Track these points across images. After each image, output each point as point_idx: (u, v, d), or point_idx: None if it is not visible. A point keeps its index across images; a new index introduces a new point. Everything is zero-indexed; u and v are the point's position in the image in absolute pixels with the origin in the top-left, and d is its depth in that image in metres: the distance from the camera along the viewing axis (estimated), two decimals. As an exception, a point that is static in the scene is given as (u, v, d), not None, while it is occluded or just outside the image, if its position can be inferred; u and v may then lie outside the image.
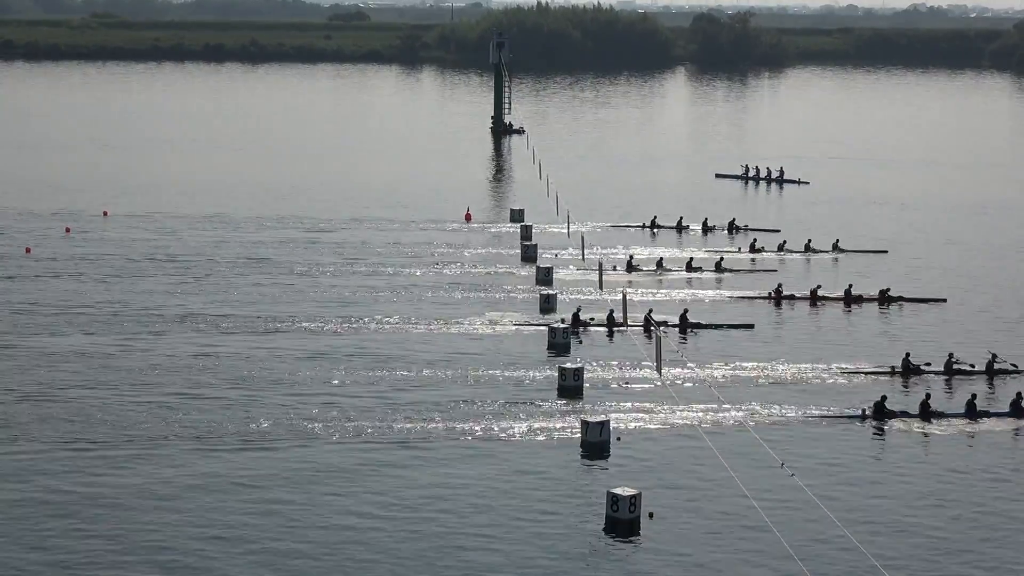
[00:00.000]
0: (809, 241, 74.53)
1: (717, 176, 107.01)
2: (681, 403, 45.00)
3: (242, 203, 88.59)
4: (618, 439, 41.65)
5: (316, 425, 42.71)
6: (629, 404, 45.52)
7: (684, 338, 55.24)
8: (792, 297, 62.12)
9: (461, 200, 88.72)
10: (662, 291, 63.83)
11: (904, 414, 44.76)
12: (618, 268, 67.93)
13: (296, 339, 53.69)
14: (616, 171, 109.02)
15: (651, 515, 35.68)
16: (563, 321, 55.73)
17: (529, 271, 67.71)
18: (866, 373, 49.82)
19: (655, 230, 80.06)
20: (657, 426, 43.28)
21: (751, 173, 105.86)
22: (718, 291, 64.04)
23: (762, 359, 51.44)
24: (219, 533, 34.50)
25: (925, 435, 43.26)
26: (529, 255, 71.25)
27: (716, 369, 49.87)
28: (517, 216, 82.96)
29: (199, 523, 35.08)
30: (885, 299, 61.97)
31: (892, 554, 33.80)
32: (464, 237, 77.94)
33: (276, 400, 45.35)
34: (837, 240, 74.88)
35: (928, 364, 50.25)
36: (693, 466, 39.68)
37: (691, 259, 69.22)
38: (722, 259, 69.39)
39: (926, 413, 44.60)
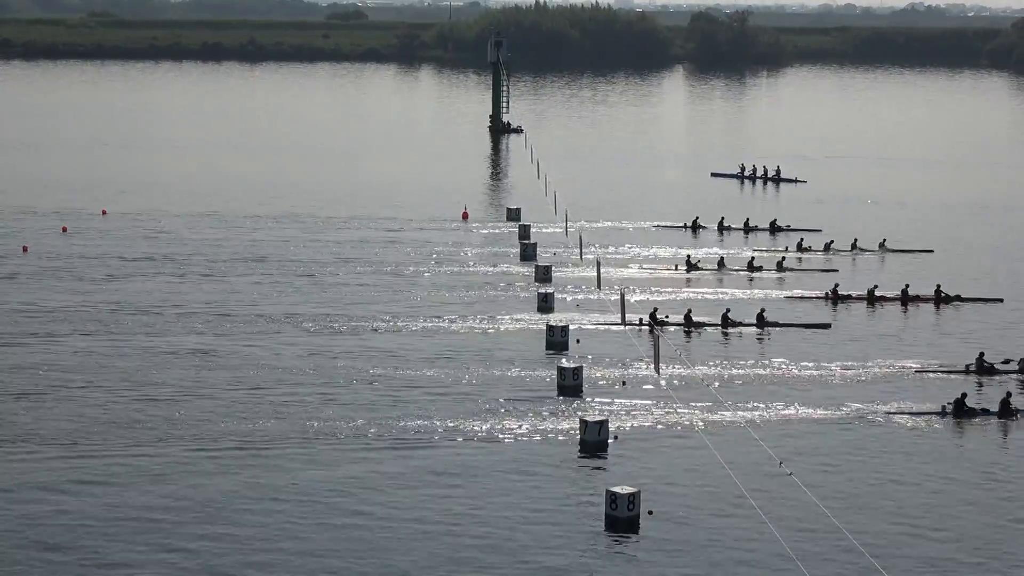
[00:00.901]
0: (856, 240, 74.60)
1: (713, 175, 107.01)
2: (680, 402, 44.94)
3: (240, 202, 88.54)
4: (615, 438, 41.62)
5: (313, 424, 42.66)
6: (628, 403, 45.48)
7: (761, 337, 55.44)
8: (848, 297, 61.99)
9: (459, 199, 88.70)
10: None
11: (984, 412, 44.77)
12: (679, 267, 68.24)
13: (294, 338, 53.63)
14: (612, 170, 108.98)
15: (650, 513, 35.67)
16: (640, 321, 55.99)
17: (528, 270, 67.66)
18: (941, 372, 49.78)
19: (696, 231, 79.97)
20: (656, 425, 43.24)
21: (747, 172, 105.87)
22: (774, 291, 63.78)
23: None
24: (218, 534, 34.44)
25: (959, 432, 43.22)
26: (527, 254, 71.25)
27: (716, 368, 49.86)
28: (515, 215, 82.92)
29: (198, 524, 35.01)
30: (941, 299, 61.87)
31: (891, 554, 33.76)
32: (462, 236, 77.92)
33: (274, 400, 45.28)
34: (884, 240, 74.95)
35: (1007, 362, 50.05)
36: (692, 465, 39.64)
37: (752, 258, 69.47)
38: (783, 259, 69.74)
39: (1007, 411, 44.49)
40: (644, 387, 47.38)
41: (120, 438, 41.13)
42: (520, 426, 42.88)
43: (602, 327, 56.12)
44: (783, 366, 50.43)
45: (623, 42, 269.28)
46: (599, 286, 61.12)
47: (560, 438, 41.99)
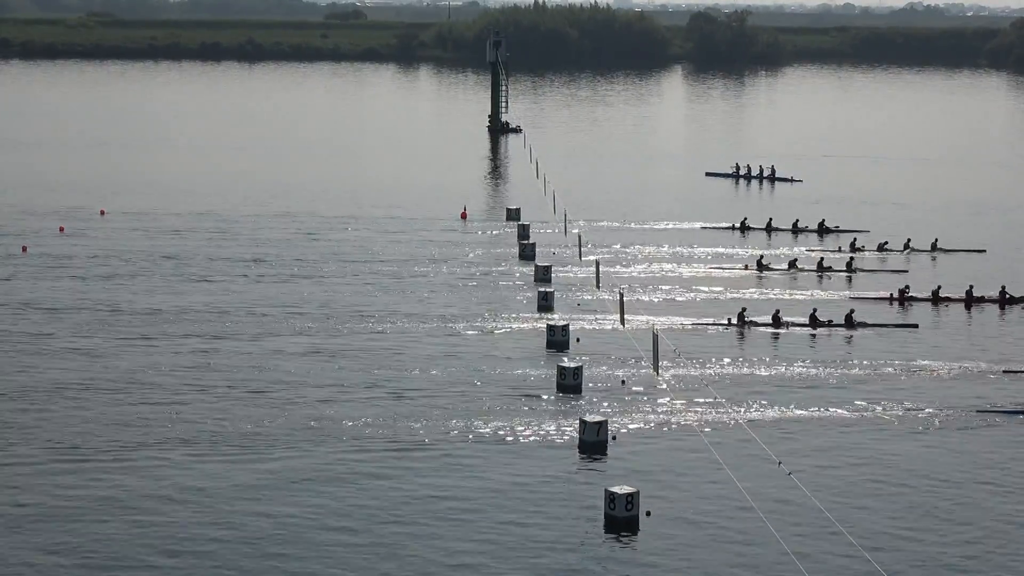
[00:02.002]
0: (908, 241, 74.58)
1: (707, 175, 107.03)
2: (679, 402, 44.94)
3: (239, 202, 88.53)
4: (613, 438, 41.61)
5: (312, 424, 42.66)
6: (627, 403, 45.49)
7: (850, 337, 55.56)
8: (913, 298, 61.84)
9: (458, 199, 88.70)
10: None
11: None
12: (749, 267, 68.51)
13: (293, 338, 53.63)
14: (611, 170, 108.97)
15: (648, 513, 35.66)
16: (729, 321, 56.40)
17: (527, 270, 67.67)
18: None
19: (745, 232, 79.98)
20: (655, 425, 43.24)
21: (742, 172, 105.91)
22: (837, 292, 63.74)
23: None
24: (215, 536, 34.41)
25: (968, 432, 43.25)
26: (527, 254, 71.28)
27: (715, 368, 49.86)
28: (514, 215, 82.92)
29: (196, 527, 34.97)
30: (1007, 300, 61.78)
31: (891, 554, 33.76)
32: (461, 236, 77.91)
33: (274, 399, 45.27)
34: (936, 240, 74.96)
35: None
36: (691, 465, 39.65)
37: (822, 259, 69.72)
38: (852, 259, 69.91)
39: None
40: (644, 387, 47.36)
41: (119, 438, 41.10)
42: (520, 426, 42.86)
43: (602, 327, 56.12)
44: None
45: (622, 42, 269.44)
46: (599, 286, 61.14)
47: (560, 438, 41.98)
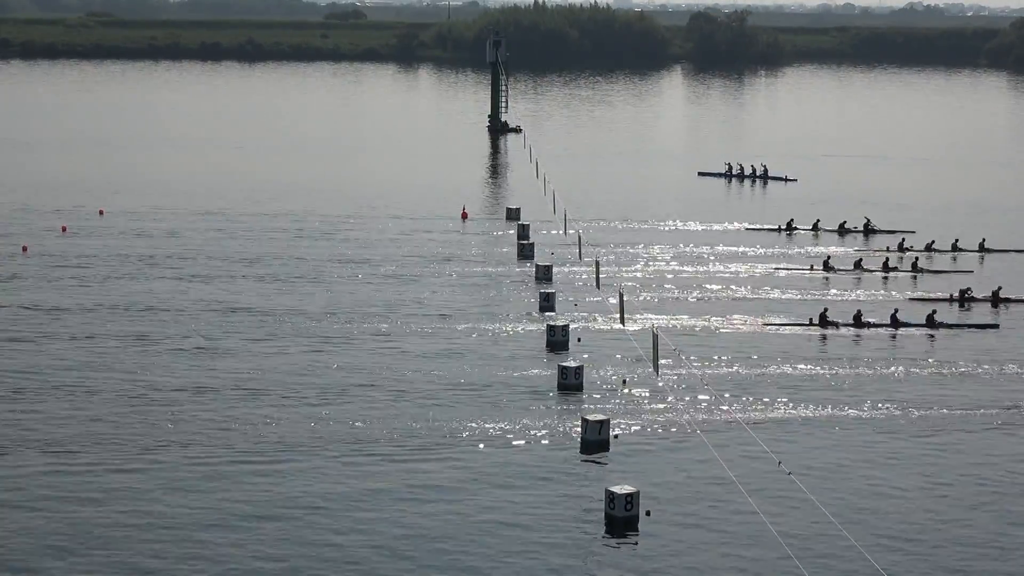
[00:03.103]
0: (956, 241, 74.64)
1: (700, 174, 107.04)
2: (680, 402, 44.96)
3: (238, 201, 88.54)
4: (615, 438, 41.62)
5: (311, 425, 42.66)
6: (628, 403, 45.51)
7: (932, 336, 55.76)
8: (974, 299, 61.74)
9: (457, 199, 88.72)
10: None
11: None
12: (815, 268, 68.58)
13: (292, 338, 53.63)
14: (607, 170, 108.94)
15: (648, 513, 35.67)
16: (810, 321, 56.57)
17: (527, 270, 67.68)
18: None
19: (791, 232, 79.94)
20: (656, 425, 43.26)
21: (735, 171, 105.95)
22: (898, 292, 63.80)
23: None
24: (214, 539, 34.42)
25: (968, 433, 43.25)
26: (526, 254, 71.30)
27: (716, 368, 49.86)
28: (514, 215, 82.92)
29: (194, 531, 34.97)
30: None
31: (891, 554, 33.78)
32: (461, 236, 77.92)
33: (273, 399, 45.27)
34: (983, 239, 75.01)
35: None
36: (691, 465, 39.66)
37: (887, 259, 69.97)
38: (917, 259, 70.00)
39: None
40: (644, 387, 47.36)
41: (119, 439, 41.09)
42: (520, 425, 42.88)
43: (602, 327, 56.12)
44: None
45: (622, 42, 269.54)
46: (599, 286, 61.11)
47: (560, 437, 41.99)
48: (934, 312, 57.46)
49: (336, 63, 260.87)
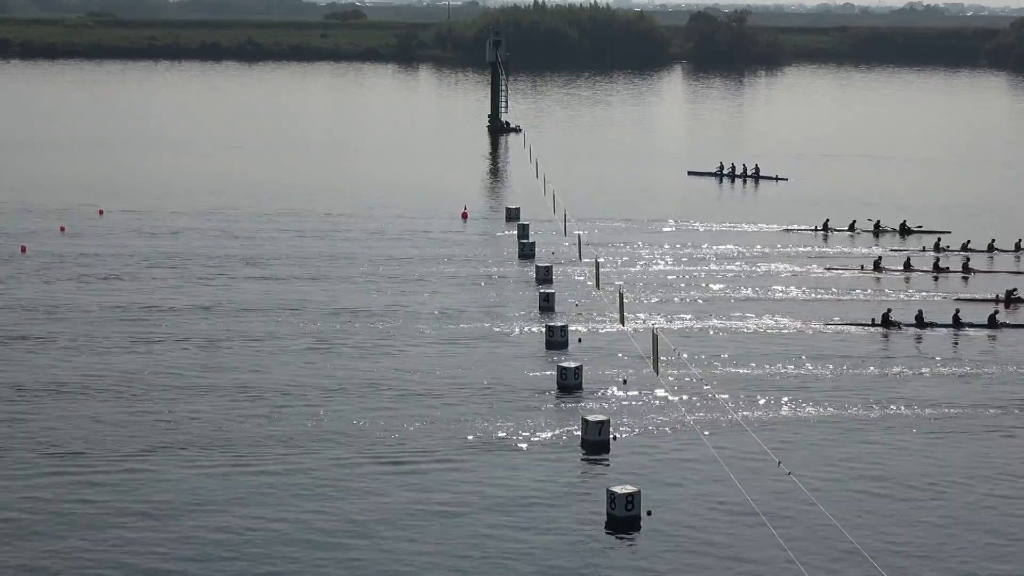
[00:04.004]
0: (993, 241, 74.75)
1: (690, 174, 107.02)
2: (680, 402, 44.92)
3: (238, 201, 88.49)
4: (615, 438, 41.60)
5: (309, 425, 42.65)
6: (628, 403, 45.50)
7: (993, 337, 55.90)
8: (1020, 300, 61.56)
9: (457, 199, 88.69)
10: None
11: None
12: (865, 268, 68.78)
13: (292, 338, 53.61)
14: (606, 170, 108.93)
15: (649, 513, 35.66)
16: (872, 321, 56.62)
17: (527, 269, 67.65)
18: None
19: (828, 233, 79.96)
20: (656, 425, 43.23)
21: (725, 171, 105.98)
22: (945, 293, 63.86)
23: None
24: (214, 545, 34.37)
25: (968, 432, 43.22)
26: (526, 254, 71.27)
27: (715, 368, 49.84)
28: (514, 215, 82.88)
29: (193, 535, 34.90)
30: None
31: (891, 554, 33.76)
32: (461, 236, 77.87)
33: (273, 400, 45.25)
34: (1020, 239, 75.02)
35: None
36: (692, 464, 39.64)
37: (937, 259, 70.20)
38: (968, 260, 70.00)
39: None
40: (644, 387, 47.34)
41: (119, 440, 41.07)
42: (520, 426, 42.85)
43: (602, 327, 56.08)
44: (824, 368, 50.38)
45: (622, 41, 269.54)
46: (599, 286, 61.10)
47: (561, 438, 41.97)
48: (996, 313, 57.46)
49: (336, 63, 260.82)
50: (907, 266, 69.01)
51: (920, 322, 56.78)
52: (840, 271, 68.54)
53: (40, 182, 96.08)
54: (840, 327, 56.60)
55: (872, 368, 50.51)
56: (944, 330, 56.56)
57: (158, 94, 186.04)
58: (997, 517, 36.63)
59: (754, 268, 69.12)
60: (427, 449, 40.69)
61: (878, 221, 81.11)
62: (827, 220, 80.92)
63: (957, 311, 57.49)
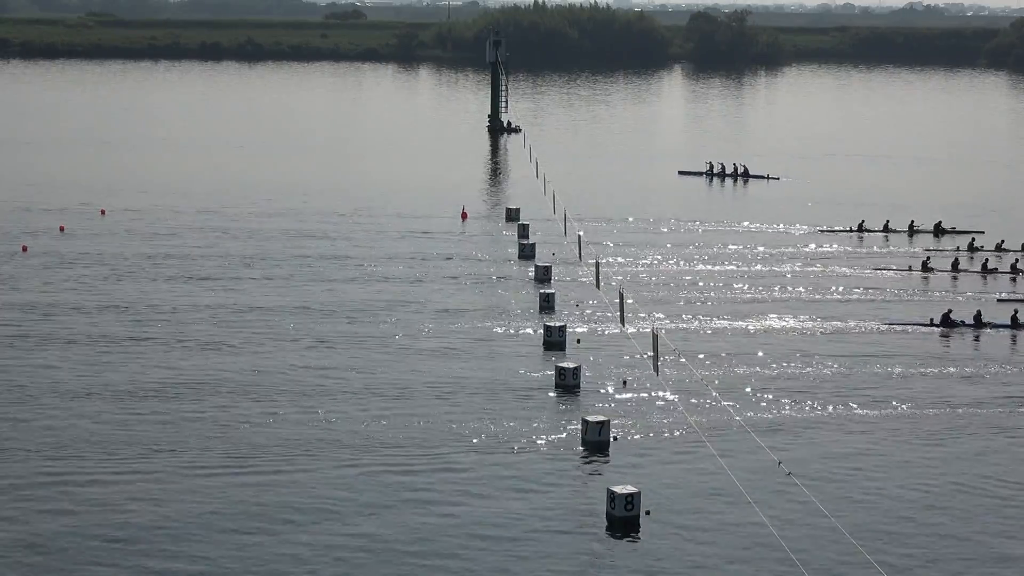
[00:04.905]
0: None
1: (680, 173, 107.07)
2: (680, 402, 44.93)
3: (238, 201, 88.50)
4: (615, 438, 41.61)
5: (309, 425, 42.64)
6: (628, 403, 45.51)
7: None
8: None
9: (458, 199, 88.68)
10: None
11: None
12: (913, 268, 68.92)
13: (292, 338, 53.59)
14: (606, 169, 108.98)
15: (648, 513, 35.67)
16: (931, 321, 56.92)
17: (527, 270, 67.66)
18: None
19: (863, 234, 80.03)
20: (656, 425, 43.23)
21: (715, 170, 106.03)
22: (993, 293, 64.14)
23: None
24: (214, 545, 34.37)
25: (968, 432, 43.19)
26: (526, 254, 71.28)
27: (716, 368, 49.84)
28: (514, 215, 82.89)
29: (193, 536, 34.87)
30: None
31: (890, 553, 33.76)
32: (461, 236, 77.89)
33: (272, 400, 45.23)
34: None
35: None
36: (692, 465, 39.64)
37: (986, 260, 70.31)
38: (1017, 260, 70.12)
39: None
40: (644, 387, 47.34)
41: (119, 441, 41.05)
42: (520, 426, 42.85)
43: (602, 327, 56.09)
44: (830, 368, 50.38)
45: (622, 41, 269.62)
46: (599, 286, 61.09)
47: (561, 438, 41.97)
48: None
49: (336, 63, 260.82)
50: (955, 266, 69.28)
51: (979, 322, 56.98)
52: (885, 271, 68.79)
53: (40, 182, 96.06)
54: (900, 327, 56.77)
55: (886, 368, 50.47)
56: (1004, 331, 56.68)
57: (158, 94, 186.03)
58: (1001, 520, 36.59)
59: (754, 268, 69.14)
60: (426, 449, 40.67)
61: (912, 222, 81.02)
62: (862, 221, 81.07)
63: (1015, 312, 57.62)
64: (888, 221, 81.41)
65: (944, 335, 56.15)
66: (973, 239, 75.98)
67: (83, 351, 51.06)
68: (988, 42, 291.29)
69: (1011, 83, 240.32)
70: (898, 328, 56.82)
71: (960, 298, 62.78)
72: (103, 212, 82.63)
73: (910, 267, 69.47)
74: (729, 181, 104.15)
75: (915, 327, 56.97)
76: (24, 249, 70.67)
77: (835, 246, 75.97)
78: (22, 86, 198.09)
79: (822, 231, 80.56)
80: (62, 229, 76.68)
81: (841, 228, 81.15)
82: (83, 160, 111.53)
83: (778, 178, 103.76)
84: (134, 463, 39.01)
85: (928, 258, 70.26)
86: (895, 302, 62.20)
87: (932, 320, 57.31)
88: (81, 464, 38.86)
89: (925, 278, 67.63)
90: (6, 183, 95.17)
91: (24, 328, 54.51)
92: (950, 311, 57.60)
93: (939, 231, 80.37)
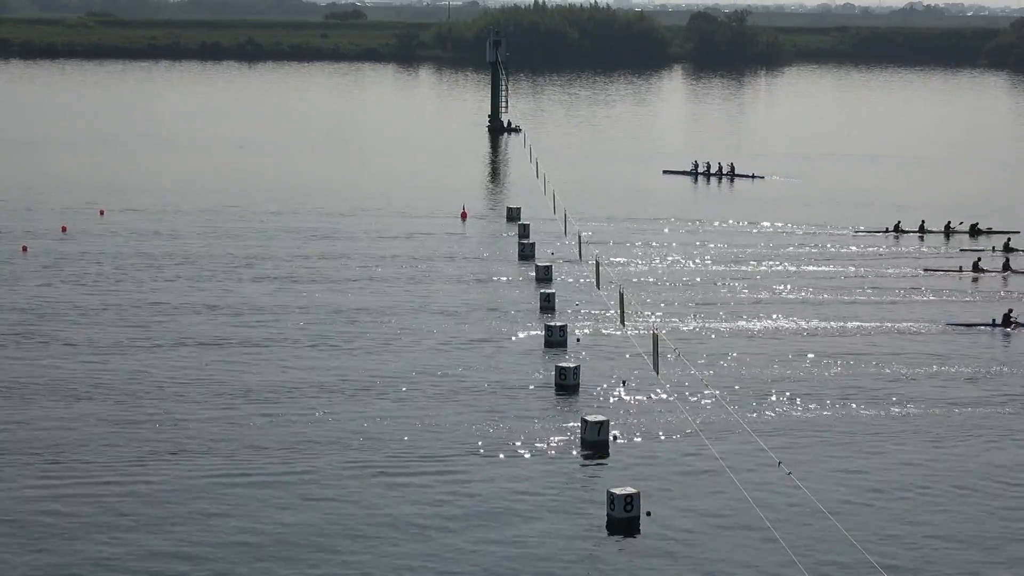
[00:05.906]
0: None
1: (665, 172, 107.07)
2: (680, 402, 44.91)
3: (239, 201, 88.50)
4: (615, 438, 41.60)
5: (309, 425, 42.64)
6: (628, 403, 45.50)
7: None
8: None
9: (458, 199, 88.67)
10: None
11: None
12: (964, 269, 69.04)
13: (291, 338, 53.58)
14: (606, 169, 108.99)
15: (648, 514, 35.65)
16: (993, 321, 56.90)
17: (527, 269, 67.67)
18: None
19: (898, 235, 79.99)
20: (656, 425, 43.22)
21: (700, 169, 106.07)
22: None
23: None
24: (213, 546, 34.34)
25: (965, 433, 43.20)
26: (526, 254, 71.28)
27: (716, 368, 49.83)
28: (514, 215, 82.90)
29: (192, 537, 34.85)
30: None
31: (890, 553, 33.76)
32: (461, 236, 77.90)
33: (272, 400, 45.22)
34: None
35: None
36: (692, 465, 39.61)
37: (1007, 259, 70.53)
38: None
39: None
40: (644, 387, 47.33)
41: (119, 442, 41.03)
42: (520, 426, 42.83)
43: (602, 327, 56.09)
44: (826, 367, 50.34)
45: (622, 41, 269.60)
46: (599, 286, 61.10)
47: (560, 438, 41.95)
48: None
49: (336, 63, 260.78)
50: (1006, 267, 69.43)
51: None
52: (936, 272, 68.83)
53: (40, 182, 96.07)
54: (964, 327, 56.79)
55: (890, 369, 50.46)
56: None
57: (158, 94, 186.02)
58: (1004, 522, 36.56)
59: (753, 268, 69.11)
60: (425, 449, 40.65)
61: (948, 222, 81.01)
62: (898, 222, 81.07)
63: (1010, 310, 57.62)
64: (924, 222, 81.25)
65: (1005, 335, 56.12)
66: (1009, 239, 76.12)
67: (83, 351, 51.04)
68: (988, 42, 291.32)
69: (1011, 83, 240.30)
70: (961, 328, 56.63)
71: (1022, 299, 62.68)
72: (102, 212, 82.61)
73: (960, 267, 69.42)
74: (715, 180, 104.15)
75: (975, 327, 56.87)
76: (24, 249, 70.66)
77: (869, 247, 75.70)
78: (22, 86, 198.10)
79: (856, 233, 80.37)
80: (64, 230, 76.65)
81: (878, 229, 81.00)
82: (83, 160, 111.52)
83: (762, 176, 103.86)
84: (134, 463, 38.99)
85: (979, 259, 70.19)
86: (947, 302, 62.02)
87: (993, 320, 57.31)
88: (81, 464, 38.84)
89: (975, 279, 67.64)
90: (6, 183, 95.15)
91: (24, 328, 54.50)
92: (1011, 311, 57.58)
93: (975, 232, 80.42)
